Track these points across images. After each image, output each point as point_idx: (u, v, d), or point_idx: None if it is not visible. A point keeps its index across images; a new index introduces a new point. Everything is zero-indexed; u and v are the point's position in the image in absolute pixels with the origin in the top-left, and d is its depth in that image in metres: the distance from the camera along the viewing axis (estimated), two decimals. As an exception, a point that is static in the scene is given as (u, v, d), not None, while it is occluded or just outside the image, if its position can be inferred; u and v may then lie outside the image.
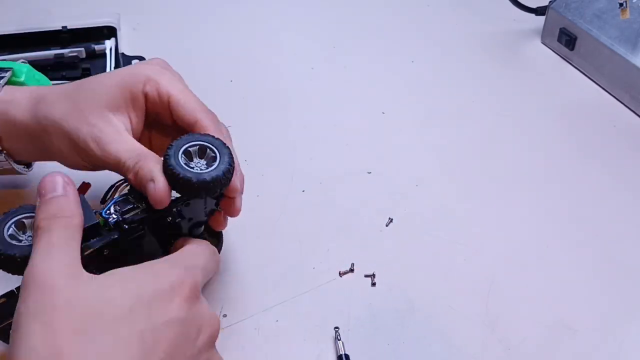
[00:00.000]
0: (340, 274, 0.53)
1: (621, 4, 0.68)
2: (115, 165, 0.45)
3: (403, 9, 0.87)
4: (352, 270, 0.54)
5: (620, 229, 0.58)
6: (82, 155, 0.47)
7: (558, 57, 0.79)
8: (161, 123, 0.50)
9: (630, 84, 0.70)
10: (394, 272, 0.54)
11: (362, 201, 0.60)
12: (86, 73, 0.68)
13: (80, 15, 0.75)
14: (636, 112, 0.71)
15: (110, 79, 0.49)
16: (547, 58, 0.79)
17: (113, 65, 0.69)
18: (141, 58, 0.70)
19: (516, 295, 0.52)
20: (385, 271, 0.54)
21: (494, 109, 0.72)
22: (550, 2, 0.79)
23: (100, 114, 0.47)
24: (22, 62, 0.58)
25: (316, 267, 0.54)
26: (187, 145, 0.44)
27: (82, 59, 0.70)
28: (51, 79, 0.66)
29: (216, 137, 0.46)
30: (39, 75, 0.58)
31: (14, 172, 0.53)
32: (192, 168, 0.43)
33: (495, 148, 0.66)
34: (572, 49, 0.76)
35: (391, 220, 0.57)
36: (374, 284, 0.53)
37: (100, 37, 0.72)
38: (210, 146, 0.44)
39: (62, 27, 0.72)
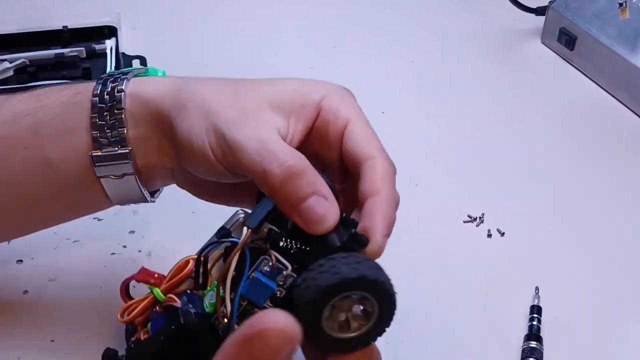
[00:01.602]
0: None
1: (621, 4, 0.68)
2: (258, 158, 0.36)
3: (403, 9, 0.87)
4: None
5: (620, 228, 0.58)
6: (219, 146, 0.38)
7: (558, 57, 0.79)
8: (313, 153, 0.40)
9: (630, 83, 0.70)
10: (394, 271, 0.54)
11: (361, 201, 0.60)
12: (87, 73, 0.68)
13: (81, 14, 0.76)
14: (636, 112, 0.71)
15: (281, 81, 0.43)
16: (547, 58, 0.79)
17: (114, 65, 0.69)
18: (142, 58, 0.70)
19: (516, 295, 0.52)
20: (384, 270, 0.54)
21: (494, 109, 0.72)
22: (550, 2, 0.79)
23: (258, 106, 0.39)
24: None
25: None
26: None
27: (83, 58, 0.70)
28: (52, 79, 0.66)
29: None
30: None
31: (136, 198, 0.43)
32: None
33: (495, 148, 0.67)
34: (572, 49, 0.76)
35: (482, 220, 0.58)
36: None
37: (101, 37, 0.72)
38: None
39: (63, 26, 0.72)
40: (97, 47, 0.71)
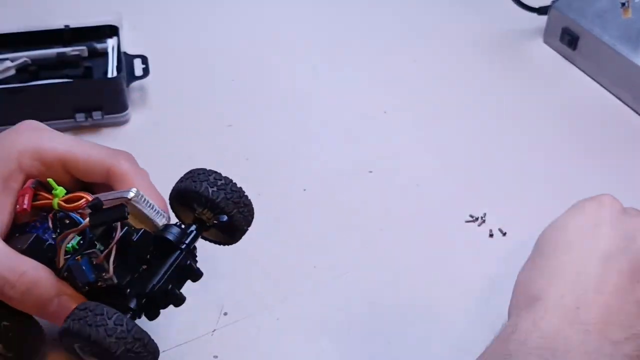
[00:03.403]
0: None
1: (623, 4, 0.68)
2: None
3: (404, 8, 0.87)
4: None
5: (622, 228, 0.58)
6: None
7: (560, 56, 0.79)
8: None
9: (633, 83, 0.70)
10: (395, 271, 0.54)
11: (363, 200, 0.60)
12: (88, 72, 0.68)
13: (83, 14, 0.76)
14: (638, 112, 0.71)
15: None
16: (549, 58, 0.79)
17: (115, 63, 0.69)
18: (143, 57, 0.70)
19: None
20: (385, 270, 0.54)
21: (496, 108, 0.72)
22: (552, 1, 0.79)
23: None
24: None
25: (317, 265, 0.54)
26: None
27: (84, 57, 0.70)
28: (53, 78, 0.66)
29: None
30: None
31: None
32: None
33: (497, 148, 0.66)
34: (574, 48, 0.76)
35: None
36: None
37: (103, 36, 0.72)
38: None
39: (65, 25, 0.72)
40: (99, 46, 0.71)
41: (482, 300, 0.52)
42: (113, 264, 0.37)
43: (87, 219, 0.38)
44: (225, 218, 0.42)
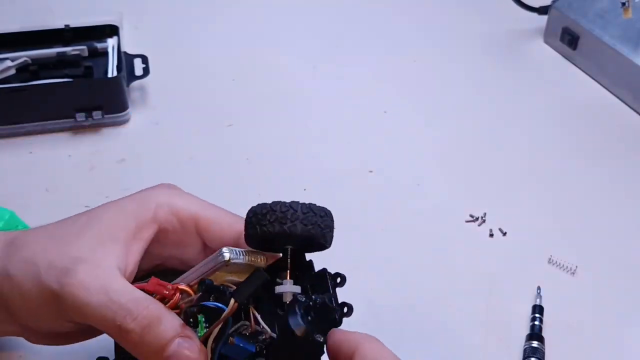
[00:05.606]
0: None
1: (624, 3, 0.68)
2: (109, 313, 0.35)
3: (405, 8, 0.87)
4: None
5: (623, 228, 0.58)
6: (60, 305, 0.36)
7: (560, 56, 0.79)
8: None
9: (633, 83, 0.70)
10: (395, 271, 0.54)
11: (363, 200, 0.60)
12: (89, 71, 0.68)
13: (83, 13, 0.76)
14: (638, 112, 0.71)
15: (108, 209, 0.39)
16: (550, 57, 0.79)
17: (115, 63, 0.69)
18: (144, 57, 0.70)
19: (517, 294, 0.52)
20: (385, 270, 0.54)
21: (496, 108, 0.72)
22: (552, 1, 0.79)
23: (89, 248, 0.37)
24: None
25: (317, 265, 0.54)
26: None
27: (85, 57, 0.69)
28: (53, 78, 0.66)
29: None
30: (23, 225, 0.51)
31: None
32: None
33: (497, 148, 0.66)
34: (574, 48, 0.76)
35: None
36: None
37: (103, 36, 0.72)
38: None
39: (65, 25, 0.72)
40: (99, 45, 0.71)
41: (482, 300, 0.52)
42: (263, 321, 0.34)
43: (232, 303, 0.34)
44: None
